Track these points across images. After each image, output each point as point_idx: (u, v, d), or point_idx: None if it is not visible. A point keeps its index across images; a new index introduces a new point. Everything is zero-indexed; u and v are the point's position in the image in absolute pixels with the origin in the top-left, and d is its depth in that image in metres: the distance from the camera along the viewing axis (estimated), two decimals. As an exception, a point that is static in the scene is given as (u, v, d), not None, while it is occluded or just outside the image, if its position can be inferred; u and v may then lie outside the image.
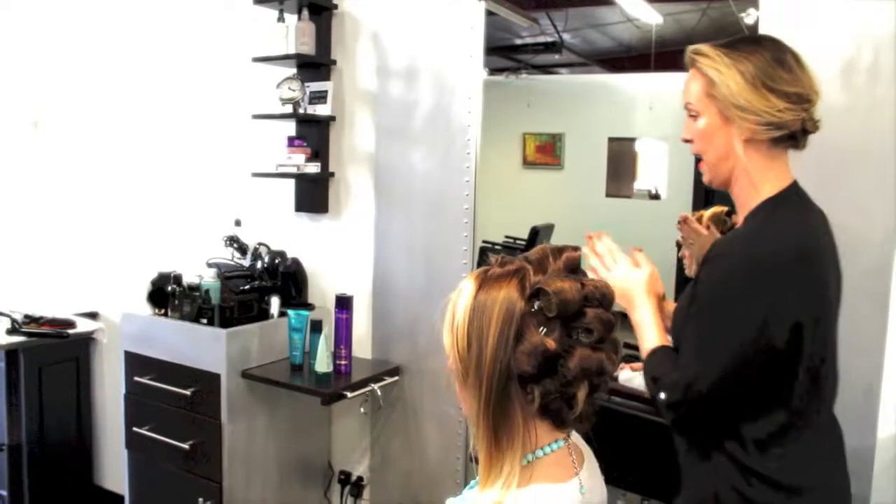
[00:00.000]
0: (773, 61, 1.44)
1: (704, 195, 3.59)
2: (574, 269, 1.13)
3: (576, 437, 1.22)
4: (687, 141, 1.57)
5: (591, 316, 1.08)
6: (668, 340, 1.59)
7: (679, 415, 1.50)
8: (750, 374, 1.42)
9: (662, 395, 1.49)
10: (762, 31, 2.07)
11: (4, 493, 3.41)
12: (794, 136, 1.47)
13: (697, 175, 3.53)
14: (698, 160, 1.57)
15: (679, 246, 2.97)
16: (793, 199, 1.50)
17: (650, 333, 1.60)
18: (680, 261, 2.96)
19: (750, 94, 1.43)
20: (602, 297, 1.10)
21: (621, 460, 2.49)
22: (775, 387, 1.44)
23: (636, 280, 1.65)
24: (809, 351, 1.43)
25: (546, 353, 1.05)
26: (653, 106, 3.84)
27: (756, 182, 1.50)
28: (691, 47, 1.53)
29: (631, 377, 2.92)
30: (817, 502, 1.49)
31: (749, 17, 3.29)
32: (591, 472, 1.20)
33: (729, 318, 1.42)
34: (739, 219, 1.56)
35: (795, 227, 1.46)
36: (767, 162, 1.49)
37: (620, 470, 2.38)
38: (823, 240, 1.50)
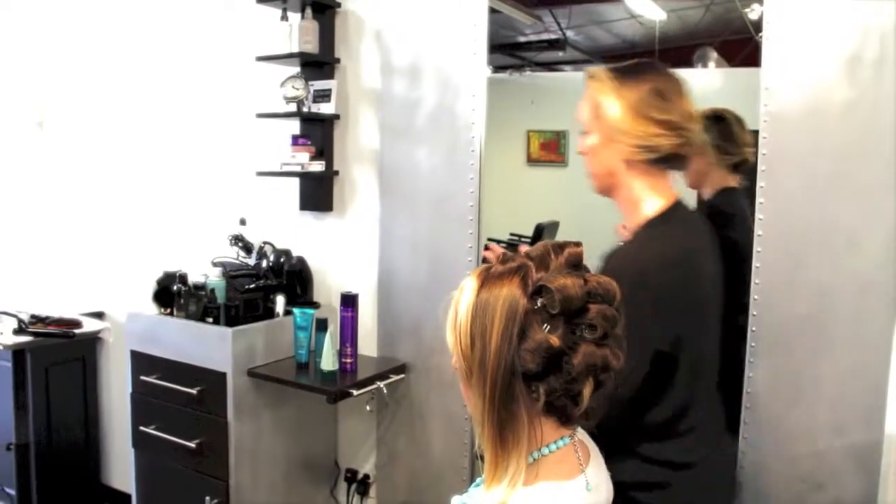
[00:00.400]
0: (652, 91, 1.62)
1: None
2: (576, 264, 1.13)
3: (582, 433, 1.22)
4: (580, 153, 1.74)
5: (594, 312, 1.08)
6: None
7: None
8: (641, 379, 1.55)
9: None
10: (766, 25, 2.06)
11: (13, 491, 3.43)
12: (668, 159, 1.64)
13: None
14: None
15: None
16: (672, 219, 1.65)
17: None
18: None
19: (629, 120, 1.61)
20: (605, 293, 1.10)
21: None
22: (662, 384, 1.60)
23: None
24: (689, 353, 1.60)
25: (550, 350, 1.05)
26: (657, 102, 3.83)
27: (635, 198, 1.68)
28: (588, 69, 1.70)
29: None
30: (704, 472, 1.64)
31: (753, 12, 3.29)
32: (597, 469, 1.20)
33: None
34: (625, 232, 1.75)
35: (674, 246, 1.62)
36: (647, 180, 1.66)
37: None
38: (700, 253, 1.66)
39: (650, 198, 1.67)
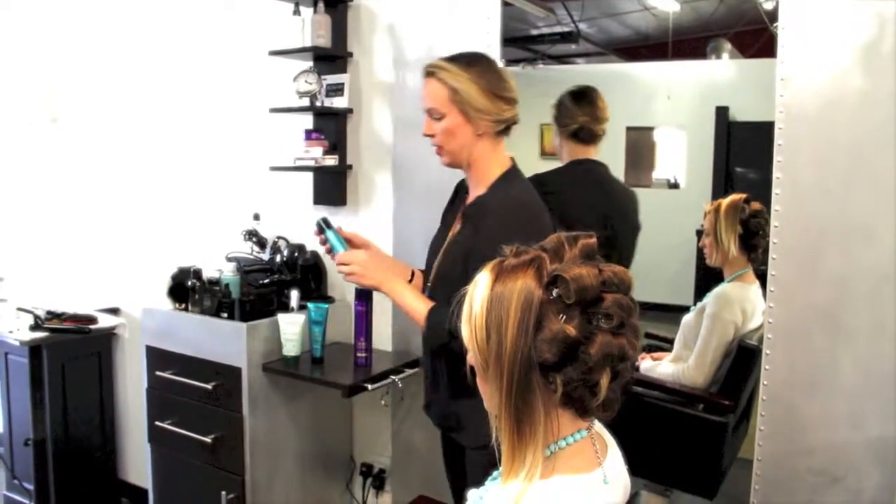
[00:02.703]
0: (496, 74, 1.96)
1: (724, 183, 3.58)
2: (590, 255, 1.13)
3: (599, 426, 1.22)
4: (428, 135, 2.01)
5: (610, 301, 1.07)
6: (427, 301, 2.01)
7: None
8: None
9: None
10: (782, 16, 2.04)
11: (31, 486, 3.45)
12: (506, 129, 2.01)
13: (717, 163, 3.53)
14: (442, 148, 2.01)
15: (699, 234, 2.97)
16: (518, 173, 2.04)
17: (411, 299, 2.01)
18: (700, 249, 2.96)
19: (485, 101, 1.93)
20: (620, 283, 1.10)
21: (643, 450, 2.48)
22: None
23: (363, 264, 2.08)
24: None
25: (567, 340, 1.05)
26: (671, 94, 3.82)
27: (488, 164, 2.01)
28: (432, 63, 1.98)
29: (652, 366, 2.92)
30: None
31: (767, 2, 3.26)
32: (614, 462, 1.19)
33: None
34: (476, 191, 2.04)
35: (529, 189, 2.01)
36: (493, 147, 2.00)
37: (642, 459, 2.37)
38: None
39: (497, 161, 2.02)
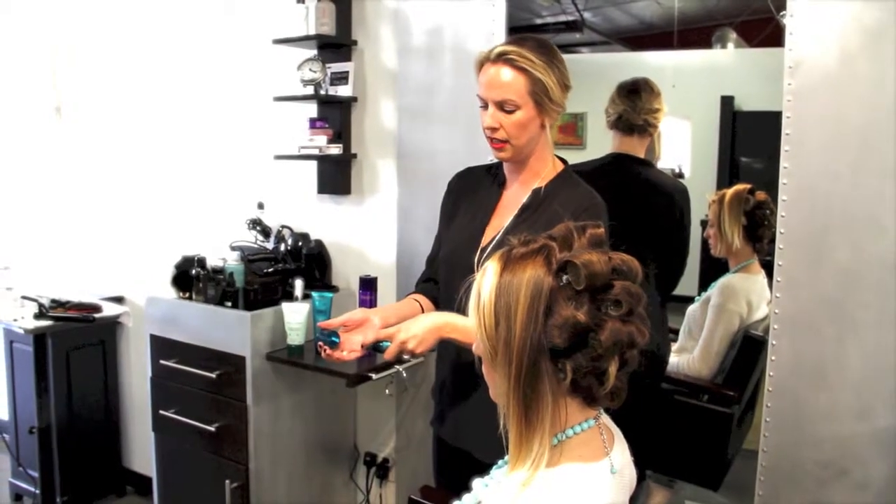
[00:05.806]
0: (563, 63, 1.81)
1: (729, 173, 3.57)
2: (598, 244, 1.13)
3: (605, 417, 1.21)
4: (491, 128, 1.80)
5: (619, 288, 1.07)
6: None
7: None
8: None
9: None
10: (790, 3, 2.02)
11: (36, 474, 3.46)
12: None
13: (722, 153, 3.51)
14: (496, 141, 1.82)
15: (704, 225, 2.96)
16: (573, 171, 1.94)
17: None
18: (705, 240, 2.95)
19: (559, 92, 1.79)
20: (629, 270, 1.10)
21: (648, 440, 2.47)
22: None
23: (424, 321, 1.77)
24: None
25: (577, 325, 1.05)
26: (675, 84, 3.80)
27: (546, 155, 1.89)
28: (507, 48, 1.77)
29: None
30: None
31: (775, -10, 3.23)
32: (621, 453, 1.19)
33: None
34: (529, 182, 1.88)
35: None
36: (547, 138, 1.88)
37: (647, 450, 2.37)
38: None
39: (552, 153, 1.91)
